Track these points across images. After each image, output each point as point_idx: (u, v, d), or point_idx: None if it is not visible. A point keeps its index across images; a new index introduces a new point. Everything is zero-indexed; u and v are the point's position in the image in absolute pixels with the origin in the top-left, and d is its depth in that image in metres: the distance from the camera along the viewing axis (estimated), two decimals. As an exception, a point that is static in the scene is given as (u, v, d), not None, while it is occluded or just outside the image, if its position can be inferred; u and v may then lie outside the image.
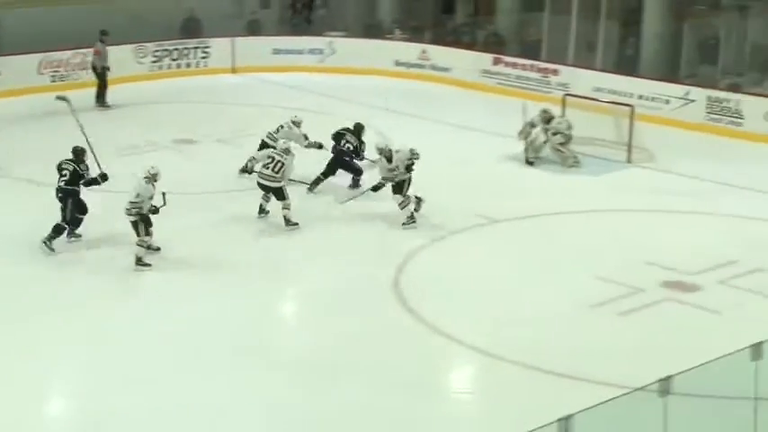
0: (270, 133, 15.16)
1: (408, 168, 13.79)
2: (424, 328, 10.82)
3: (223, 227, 13.66)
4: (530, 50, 22.25)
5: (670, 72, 20.62)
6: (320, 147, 15.32)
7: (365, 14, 25.83)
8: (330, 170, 15.06)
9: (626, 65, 21.25)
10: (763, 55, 20.35)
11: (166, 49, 22.81)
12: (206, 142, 17.88)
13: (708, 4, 20.60)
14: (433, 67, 22.68)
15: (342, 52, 23.30)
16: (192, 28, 23.85)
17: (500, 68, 21.47)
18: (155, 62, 22.67)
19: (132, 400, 9.17)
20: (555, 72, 20.65)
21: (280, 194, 13.51)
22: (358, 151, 15.16)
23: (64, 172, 12.57)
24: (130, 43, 21.98)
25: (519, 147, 16.68)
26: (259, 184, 13.62)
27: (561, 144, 16.35)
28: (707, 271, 12.07)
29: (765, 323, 10.45)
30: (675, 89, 19.15)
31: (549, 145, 16.44)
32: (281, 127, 15.24)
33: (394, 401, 9.19)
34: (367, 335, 10.65)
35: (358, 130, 15.35)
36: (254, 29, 24.75)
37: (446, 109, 19.83)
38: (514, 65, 21.35)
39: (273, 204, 13.65)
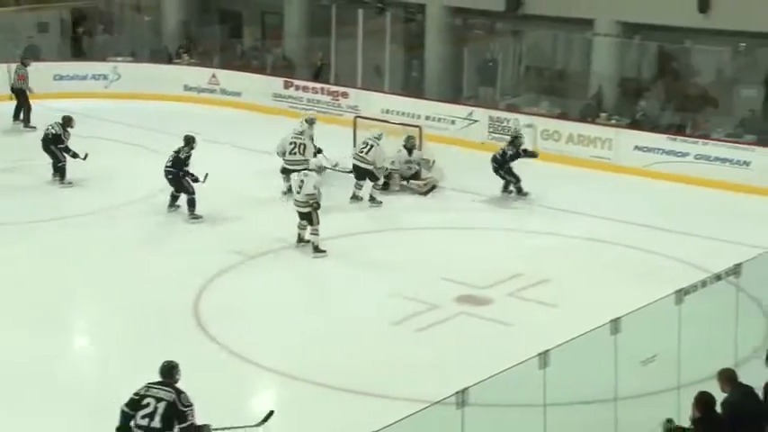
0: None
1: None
2: (225, 353, 10.74)
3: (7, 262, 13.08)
4: (319, 74, 22.53)
5: (454, 94, 21.44)
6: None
7: (151, 40, 25.37)
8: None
9: (412, 87, 21.92)
10: (537, 76, 21.51)
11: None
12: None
13: (484, 29, 21.54)
14: (224, 92, 22.60)
15: (127, 77, 22.80)
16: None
17: (291, 92, 21.63)
18: None
19: None
20: (345, 95, 21.03)
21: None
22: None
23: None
24: None
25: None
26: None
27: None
28: (497, 284, 12.60)
29: (551, 332, 10.99)
30: (459, 110, 19.94)
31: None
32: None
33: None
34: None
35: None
36: (32, 54, 23.75)
37: (238, 133, 19.78)
38: (305, 88, 21.57)
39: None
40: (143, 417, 7.89)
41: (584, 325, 8.35)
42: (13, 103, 20.60)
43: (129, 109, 21.31)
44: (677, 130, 18.36)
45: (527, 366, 7.65)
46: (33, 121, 20.02)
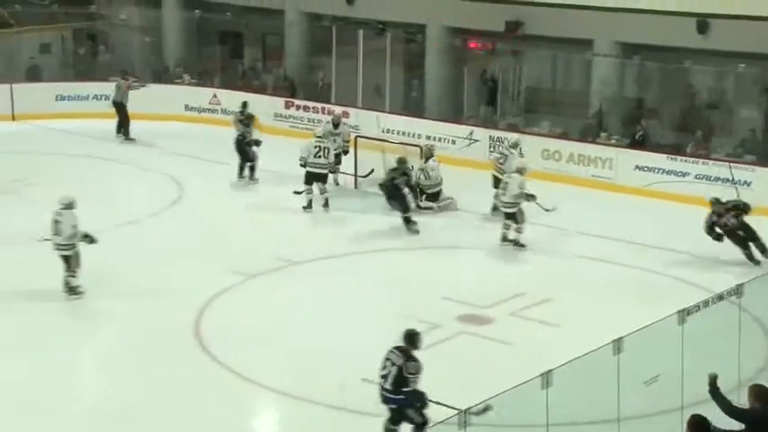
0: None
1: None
2: (227, 372, 10.73)
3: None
4: (320, 94, 22.61)
5: (454, 113, 21.50)
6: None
7: (152, 60, 25.48)
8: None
9: (413, 107, 21.98)
10: (537, 96, 21.58)
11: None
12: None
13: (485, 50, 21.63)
14: (225, 112, 22.63)
15: (129, 97, 22.77)
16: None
17: (292, 111, 21.68)
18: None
19: None
20: (345, 114, 21.07)
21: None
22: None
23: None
24: None
25: (315, 189, 16.97)
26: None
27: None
28: (498, 304, 12.59)
29: (553, 352, 10.99)
30: (460, 129, 19.98)
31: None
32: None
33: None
34: (169, 381, 10.44)
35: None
36: (34, 75, 23.86)
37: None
38: (306, 108, 21.62)
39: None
40: (382, 377, 9.00)
41: (587, 345, 8.34)
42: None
43: (131, 129, 21.33)
44: (677, 150, 18.40)
45: (529, 386, 7.64)
46: (133, 134, 20.83)
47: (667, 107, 19.77)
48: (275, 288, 13.36)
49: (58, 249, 12.64)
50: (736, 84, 19.14)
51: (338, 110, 19.75)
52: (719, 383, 8.11)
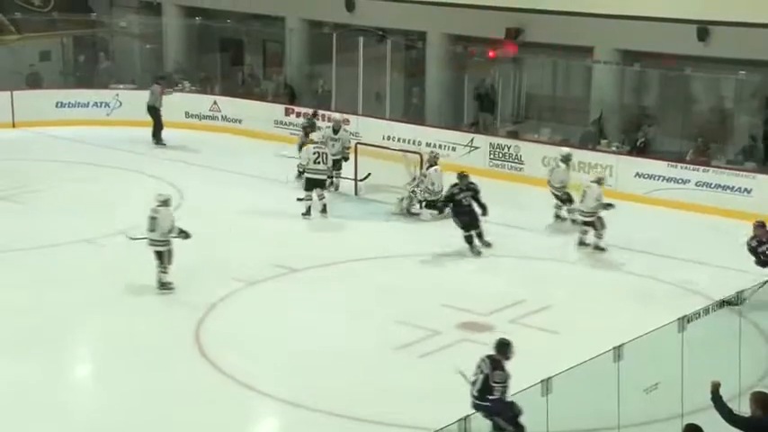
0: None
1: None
2: (228, 380, 10.71)
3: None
4: (320, 101, 22.62)
5: (454, 120, 21.50)
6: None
7: (152, 67, 25.49)
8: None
9: (413, 114, 21.99)
10: (537, 103, 21.58)
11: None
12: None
13: (483, 58, 21.63)
14: (225, 119, 22.66)
15: (129, 105, 22.85)
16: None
17: (292, 119, 21.69)
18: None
19: None
20: (346, 122, 21.07)
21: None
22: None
23: None
24: None
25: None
26: None
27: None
28: (498, 311, 12.57)
29: (553, 359, 10.98)
30: (460, 136, 19.97)
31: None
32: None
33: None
34: (169, 389, 10.42)
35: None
36: (34, 82, 23.88)
37: (239, 159, 19.82)
38: (306, 115, 21.58)
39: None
40: (471, 383, 9.15)
41: (587, 352, 8.32)
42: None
43: (131, 136, 21.36)
44: (678, 157, 18.39)
45: (529, 393, 7.63)
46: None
47: (667, 114, 19.76)
48: (275, 295, 13.34)
49: (153, 245, 12.99)
50: (736, 91, 19.13)
51: (337, 116, 19.70)
52: (721, 391, 8.09)
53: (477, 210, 14.98)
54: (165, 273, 13.01)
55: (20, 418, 9.83)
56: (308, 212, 16.31)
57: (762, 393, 7.93)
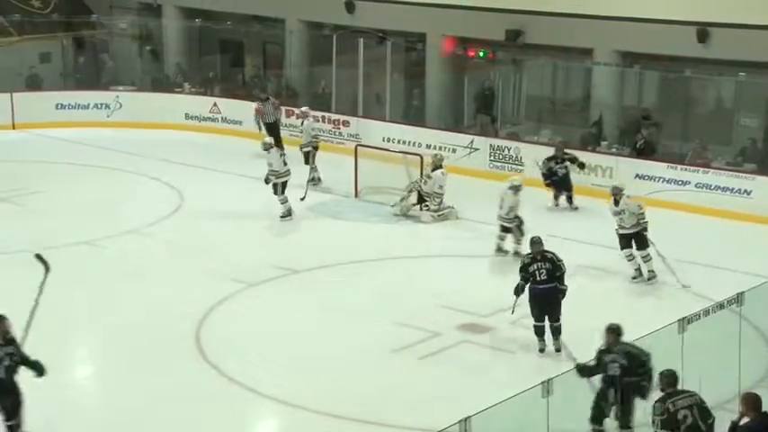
0: None
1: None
2: (228, 382, 10.71)
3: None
4: (320, 103, 22.63)
5: (454, 122, 21.51)
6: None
7: (152, 68, 25.52)
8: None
9: (413, 116, 21.99)
10: (537, 105, 21.59)
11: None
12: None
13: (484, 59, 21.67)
14: (225, 120, 22.66)
15: (129, 106, 22.87)
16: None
17: (292, 120, 21.68)
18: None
19: None
20: (346, 123, 21.11)
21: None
22: None
23: None
24: None
25: (316, 198, 17.07)
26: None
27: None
28: (499, 312, 12.56)
29: (554, 360, 11.00)
30: (460, 138, 19.98)
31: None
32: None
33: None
34: (170, 391, 10.43)
35: None
36: (34, 83, 23.89)
37: (240, 161, 19.81)
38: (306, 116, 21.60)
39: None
40: None
41: (588, 353, 8.34)
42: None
43: (131, 138, 21.38)
44: (677, 158, 18.40)
45: (530, 395, 7.64)
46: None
47: (667, 116, 19.77)
48: (276, 296, 13.35)
49: (502, 221, 14.77)
50: (735, 92, 19.14)
51: (303, 108, 19.44)
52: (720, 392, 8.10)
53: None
54: (518, 244, 14.70)
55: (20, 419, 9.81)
56: (288, 214, 16.30)
57: (753, 395, 7.92)
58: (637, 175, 17.99)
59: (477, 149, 19.63)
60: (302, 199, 17.02)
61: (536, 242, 11.86)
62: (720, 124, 19.35)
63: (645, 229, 13.96)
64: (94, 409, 10.45)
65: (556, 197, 17.65)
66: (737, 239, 15.82)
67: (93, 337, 12.28)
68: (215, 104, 22.85)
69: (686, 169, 17.72)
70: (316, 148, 18.27)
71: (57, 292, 12.99)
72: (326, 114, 21.50)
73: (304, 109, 19.33)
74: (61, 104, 22.82)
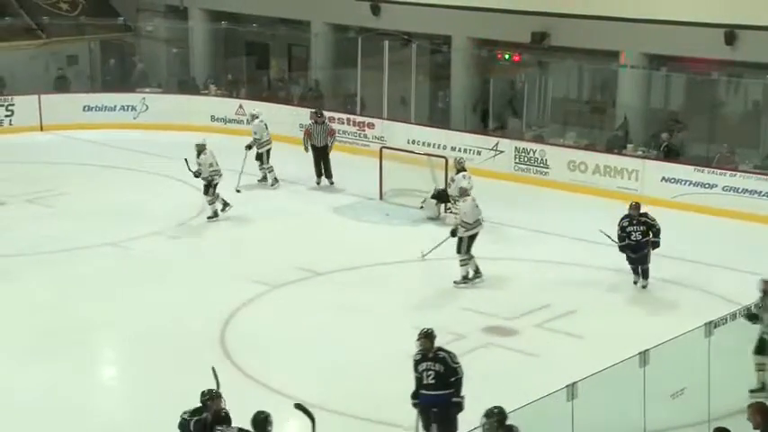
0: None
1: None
2: (252, 383, 10.74)
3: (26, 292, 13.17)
4: (346, 105, 22.68)
5: (479, 124, 21.47)
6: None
7: (179, 71, 25.66)
8: None
9: (438, 118, 21.98)
10: (563, 108, 21.52)
11: (-32, 107, 21.93)
12: (15, 203, 17.21)
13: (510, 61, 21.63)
14: (250, 122, 22.70)
15: (155, 108, 23.02)
16: (-7, 85, 23.08)
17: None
18: (-44, 121, 21.76)
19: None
20: (371, 126, 21.12)
21: None
22: None
23: None
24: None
25: (341, 200, 17.07)
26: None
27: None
28: (523, 315, 12.54)
29: (579, 364, 10.92)
30: (485, 140, 19.95)
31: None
32: None
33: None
34: (194, 393, 10.44)
35: None
36: (61, 86, 24.10)
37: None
38: (331, 119, 21.63)
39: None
40: None
41: (612, 357, 8.30)
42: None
43: (157, 140, 21.50)
44: (704, 161, 18.28)
45: (554, 398, 7.60)
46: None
47: (694, 119, 19.64)
48: (299, 298, 13.37)
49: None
50: (763, 95, 18.99)
51: (256, 109, 19.70)
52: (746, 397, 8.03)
53: None
54: None
55: (45, 418, 9.90)
56: (214, 215, 16.39)
57: (761, 404, 7.88)
58: (663, 178, 17.90)
59: (501, 152, 19.59)
60: (238, 191, 17.54)
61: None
62: (748, 127, 19.20)
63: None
64: (117, 409, 10.50)
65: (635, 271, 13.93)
66: (765, 243, 15.68)
67: (118, 338, 12.35)
68: (240, 106, 22.94)
69: (713, 172, 17.59)
70: (249, 147, 18.50)
71: (82, 293, 13.15)
72: (351, 117, 21.53)
73: (255, 111, 19.44)
74: (88, 106, 23.00)
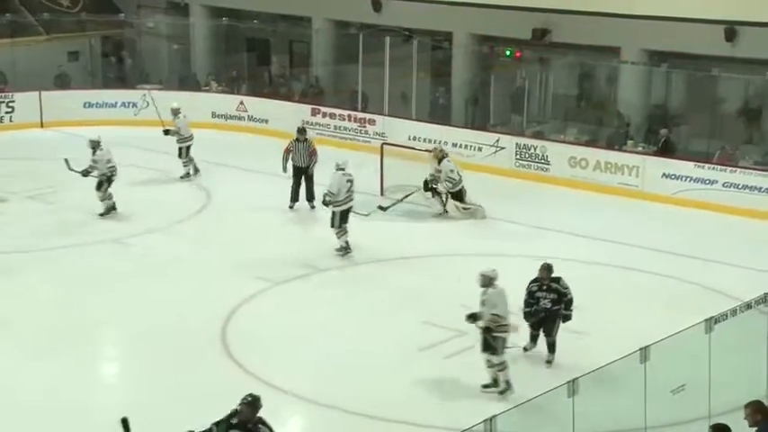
0: None
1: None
2: (253, 380, 10.75)
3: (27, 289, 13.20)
4: (346, 101, 22.69)
5: (480, 121, 21.48)
6: None
7: (179, 67, 25.65)
8: None
9: (439, 114, 21.98)
10: (564, 104, 21.53)
11: (-33, 104, 21.94)
12: (15, 199, 17.23)
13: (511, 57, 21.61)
14: (252, 119, 22.75)
15: (156, 105, 22.95)
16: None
17: (318, 119, 21.76)
18: (-44, 117, 21.77)
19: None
20: (372, 122, 21.13)
21: None
22: None
23: None
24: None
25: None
26: None
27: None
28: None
29: (580, 359, 10.96)
30: (486, 137, 19.95)
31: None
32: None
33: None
34: (195, 389, 10.48)
35: None
36: (62, 82, 24.09)
37: (266, 160, 19.86)
38: (332, 115, 21.67)
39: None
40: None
41: (613, 353, 8.31)
42: None
43: (158, 136, 21.47)
44: (705, 157, 18.29)
45: (555, 394, 7.61)
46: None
47: (695, 115, 19.65)
48: (301, 295, 13.39)
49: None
50: (764, 91, 19.00)
51: (175, 104, 19.47)
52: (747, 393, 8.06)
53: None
54: None
55: (46, 415, 9.92)
56: (107, 212, 16.34)
57: (758, 402, 7.89)
58: (663, 174, 17.90)
59: (502, 148, 19.60)
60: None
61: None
62: (748, 123, 19.20)
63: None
64: (119, 406, 10.49)
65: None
66: (765, 239, 15.70)
67: (119, 335, 12.38)
68: (241, 103, 22.96)
69: (713, 168, 17.61)
70: (167, 133, 18.80)
71: (83, 290, 13.17)
72: (353, 113, 21.53)
73: (175, 106, 19.30)
74: (89, 103, 23.00)
